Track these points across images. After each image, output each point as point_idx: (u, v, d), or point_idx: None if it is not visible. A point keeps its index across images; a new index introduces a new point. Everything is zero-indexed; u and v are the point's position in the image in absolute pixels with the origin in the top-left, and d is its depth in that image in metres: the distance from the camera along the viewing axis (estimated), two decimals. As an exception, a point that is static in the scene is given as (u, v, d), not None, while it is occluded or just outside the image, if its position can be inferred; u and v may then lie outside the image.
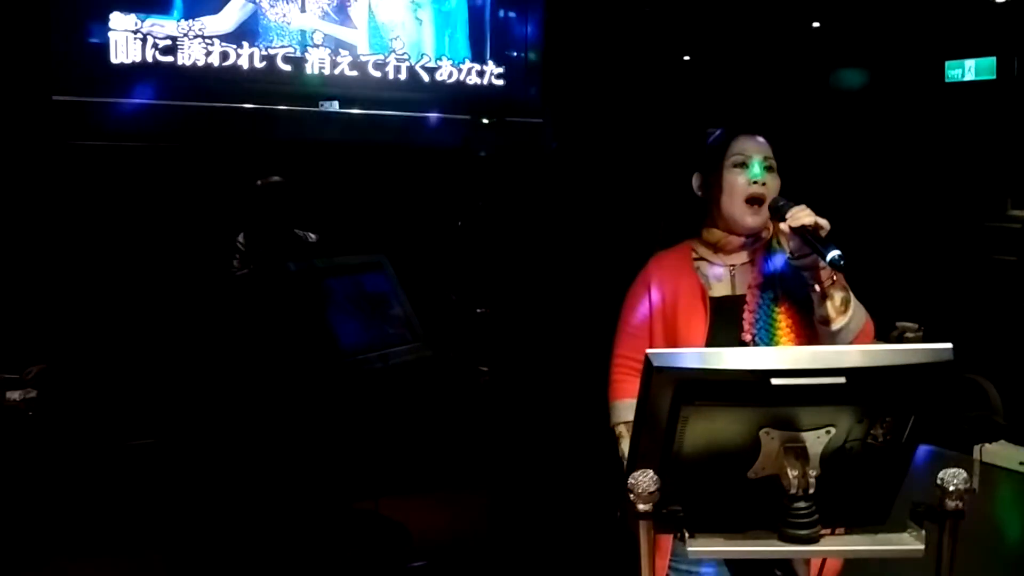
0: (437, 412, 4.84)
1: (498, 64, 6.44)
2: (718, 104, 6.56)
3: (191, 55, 5.57)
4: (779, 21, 7.02)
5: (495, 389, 5.01)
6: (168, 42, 5.51)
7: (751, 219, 2.01)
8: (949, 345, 1.45)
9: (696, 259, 2.09)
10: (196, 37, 5.55)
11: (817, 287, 1.92)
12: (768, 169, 2.03)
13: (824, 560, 1.66)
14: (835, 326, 1.91)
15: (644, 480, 1.44)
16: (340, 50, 5.99)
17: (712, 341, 1.98)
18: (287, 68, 5.82)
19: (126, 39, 5.41)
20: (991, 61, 6.58)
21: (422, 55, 6.23)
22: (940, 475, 1.48)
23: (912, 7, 6.67)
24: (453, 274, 5.78)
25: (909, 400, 1.48)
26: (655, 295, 2.07)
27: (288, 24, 5.85)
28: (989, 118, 6.54)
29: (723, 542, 1.49)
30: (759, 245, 2.07)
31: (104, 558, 4.01)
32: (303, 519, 4.19)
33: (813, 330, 1.96)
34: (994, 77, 6.59)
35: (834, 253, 1.80)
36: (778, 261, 2.03)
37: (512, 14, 6.57)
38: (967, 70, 6.70)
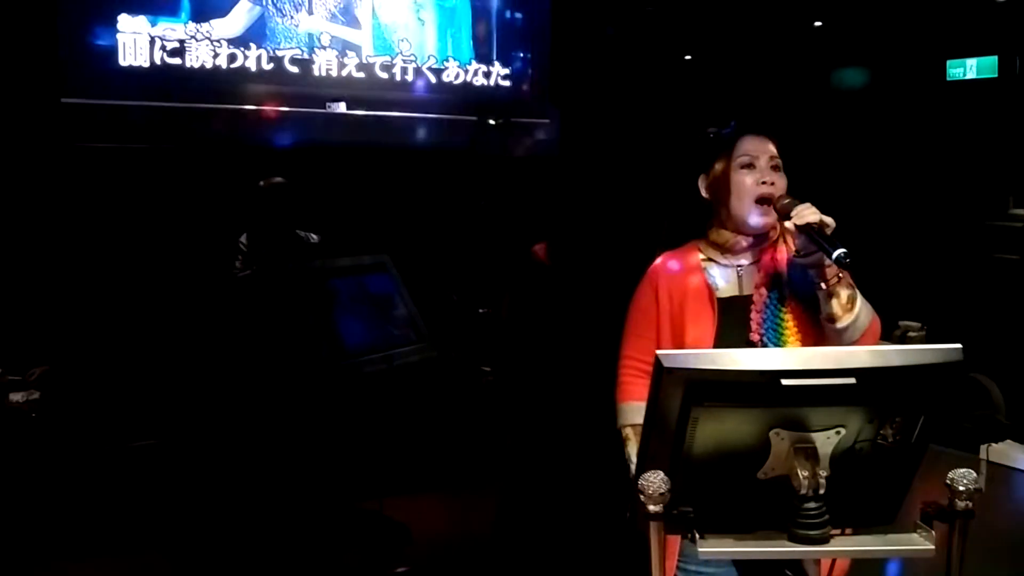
0: (442, 412, 4.84)
1: (504, 65, 6.44)
2: (721, 104, 6.55)
3: (199, 57, 5.58)
4: (781, 20, 7.01)
5: (498, 389, 5.01)
6: (176, 44, 5.51)
7: (761, 219, 2.01)
8: (959, 346, 1.45)
9: (703, 260, 2.09)
10: (204, 39, 5.55)
11: (823, 285, 1.92)
12: (775, 168, 2.04)
13: (834, 560, 1.67)
14: (841, 324, 1.92)
15: (654, 481, 1.44)
16: (347, 51, 5.99)
17: (720, 342, 1.98)
18: (294, 70, 5.83)
19: (134, 41, 5.42)
20: (993, 60, 6.57)
21: (429, 56, 6.24)
22: (950, 475, 1.48)
23: (914, 6, 6.66)
24: (456, 275, 5.78)
25: (919, 400, 1.48)
26: (662, 296, 2.07)
27: (296, 26, 5.85)
28: (991, 117, 6.53)
29: (733, 543, 1.49)
30: (766, 245, 2.07)
31: (106, 559, 4.01)
32: (305, 519, 4.19)
33: (821, 330, 1.96)
34: (996, 76, 6.58)
35: (840, 251, 1.80)
36: (784, 262, 2.04)
37: (518, 15, 6.57)
38: (968, 69, 6.69)
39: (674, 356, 1.44)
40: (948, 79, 6.80)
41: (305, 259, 4.44)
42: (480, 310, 5.62)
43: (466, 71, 6.31)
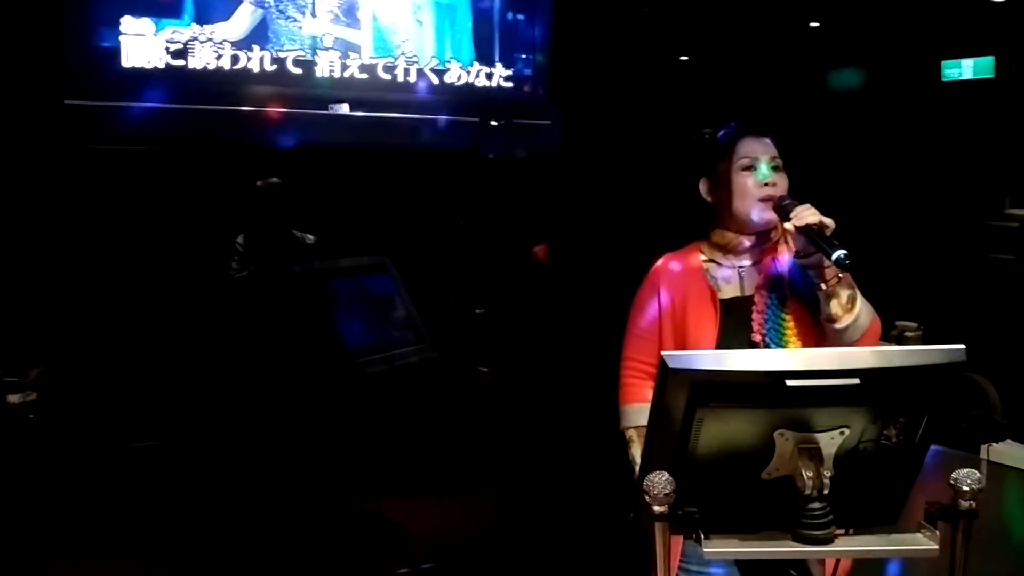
0: (442, 413, 4.85)
1: (506, 67, 6.46)
2: (718, 104, 6.57)
3: (202, 59, 5.59)
4: (778, 21, 7.03)
5: (496, 390, 5.02)
6: (179, 46, 5.52)
7: (764, 216, 2.01)
8: (962, 346, 1.46)
9: (705, 261, 2.09)
10: (207, 41, 5.56)
11: (823, 286, 1.92)
12: (776, 169, 2.04)
13: (838, 560, 1.67)
14: (841, 324, 1.92)
15: (659, 482, 1.44)
16: (350, 53, 6.00)
17: (722, 343, 1.99)
18: (297, 71, 5.84)
19: (138, 43, 5.42)
20: (989, 60, 6.59)
21: (431, 58, 6.25)
22: (953, 475, 1.49)
23: (910, 7, 6.68)
24: (456, 275, 5.79)
25: (922, 400, 1.49)
26: (664, 297, 2.07)
27: (299, 28, 5.86)
28: (987, 117, 6.55)
29: (738, 543, 1.49)
30: (767, 246, 2.07)
31: (106, 560, 4.01)
32: (304, 519, 4.19)
33: (822, 331, 1.97)
34: (992, 76, 6.60)
35: (840, 252, 1.80)
36: (785, 263, 2.04)
37: (520, 16, 6.58)
38: (965, 69, 6.71)
39: (679, 357, 1.45)
40: (944, 79, 6.82)
41: (302, 259, 4.44)
42: (477, 310, 5.62)
43: (468, 72, 6.32)
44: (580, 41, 6.58)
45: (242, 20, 5.69)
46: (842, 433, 1.48)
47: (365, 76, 6.03)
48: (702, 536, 1.47)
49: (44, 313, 5.00)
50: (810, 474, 1.46)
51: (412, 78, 6.16)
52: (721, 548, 1.49)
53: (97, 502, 4.26)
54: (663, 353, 1.45)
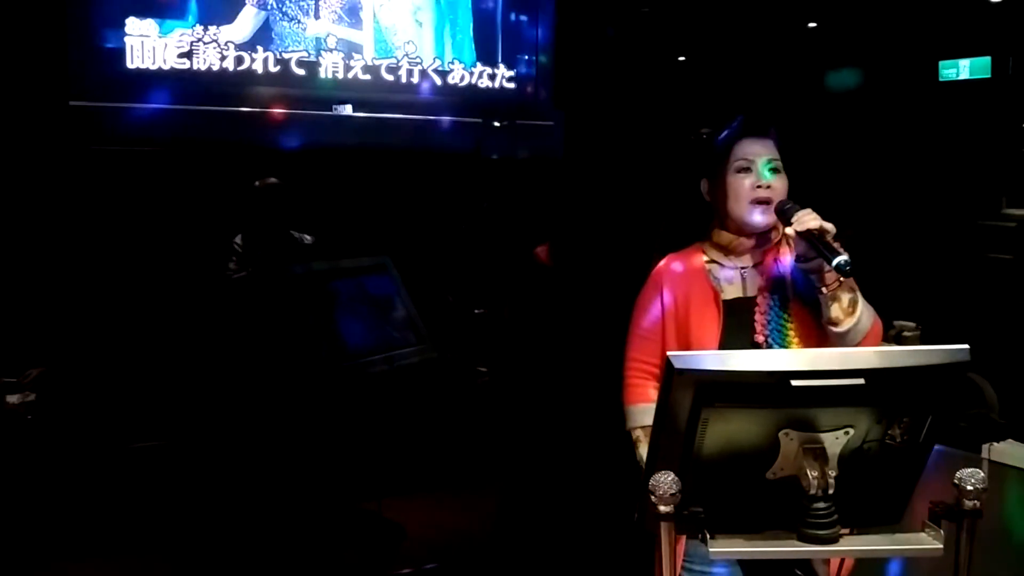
0: (442, 413, 4.85)
1: (509, 68, 6.48)
2: (716, 105, 6.58)
3: (206, 60, 5.59)
4: (776, 22, 7.05)
5: (494, 390, 5.02)
6: (184, 47, 5.53)
7: (759, 217, 2.01)
8: (966, 346, 1.47)
9: (707, 262, 2.10)
10: (211, 42, 5.57)
11: (824, 290, 1.93)
12: (774, 171, 2.04)
13: (843, 560, 1.68)
14: (842, 328, 1.92)
15: (665, 482, 1.45)
16: (353, 54, 6.02)
17: (724, 343, 1.99)
18: (301, 72, 5.84)
19: (142, 44, 5.42)
20: (985, 60, 6.61)
21: (434, 59, 6.26)
22: (957, 475, 1.49)
23: (907, 7, 6.70)
24: (457, 276, 5.79)
25: (926, 400, 1.50)
26: (667, 298, 2.08)
27: (303, 30, 5.87)
28: (984, 117, 6.58)
29: (743, 543, 1.50)
30: (769, 247, 2.07)
31: (105, 561, 4.01)
32: (304, 520, 4.19)
33: (824, 332, 1.97)
34: (988, 76, 6.62)
35: (840, 258, 1.81)
36: (787, 264, 2.05)
37: (523, 17, 6.60)
38: (962, 69, 6.73)
39: (685, 357, 1.45)
40: (941, 80, 6.84)
41: (302, 260, 4.44)
42: (476, 311, 5.63)
43: (471, 74, 6.34)
44: (582, 42, 6.59)
45: (246, 23, 5.69)
46: (847, 433, 1.48)
47: (368, 77, 6.04)
48: (708, 536, 1.48)
49: (43, 314, 4.99)
50: (815, 474, 1.47)
51: (415, 79, 6.17)
52: (726, 548, 1.50)
53: (96, 503, 4.26)
54: (669, 353, 1.45)
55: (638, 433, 2.06)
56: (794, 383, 1.42)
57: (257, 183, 4.64)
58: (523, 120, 6.30)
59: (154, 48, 5.45)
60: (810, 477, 1.47)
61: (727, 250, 2.08)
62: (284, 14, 5.82)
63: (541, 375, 4.17)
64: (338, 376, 3.83)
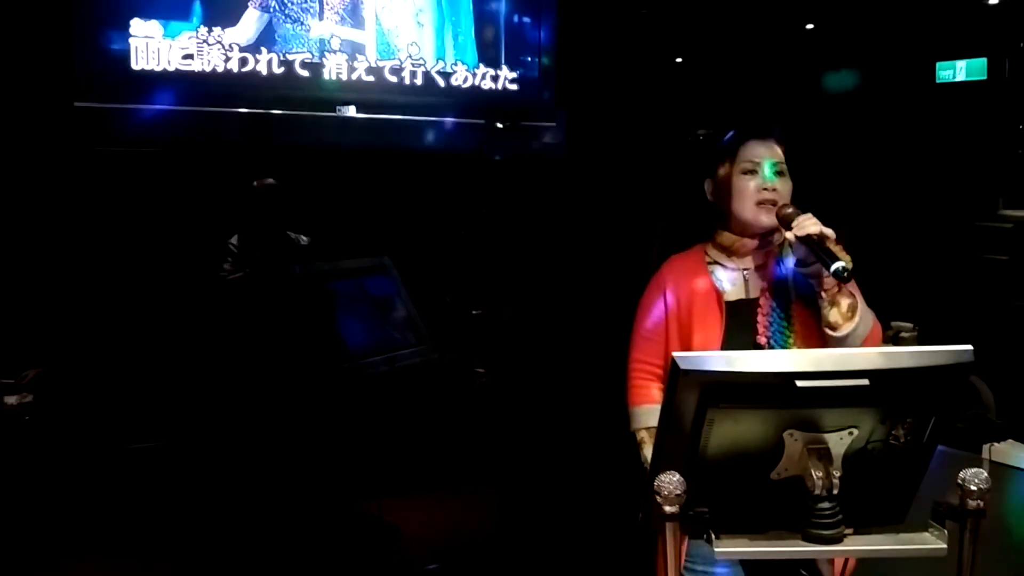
0: (441, 414, 4.85)
1: (512, 69, 6.49)
2: (715, 106, 6.59)
3: (210, 61, 5.60)
4: (773, 23, 7.06)
5: (493, 390, 5.02)
6: (188, 48, 5.53)
7: (764, 217, 2.02)
8: (969, 347, 1.47)
9: (709, 263, 2.10)
10: (216, 43, 5.57)
11: (823, 294, 1.94)
12: (779, 173, 2.05)
13: (847, 560, 1.68)
14: (841, 332, 1.93)
15: (671, 482, 1.45)
16: (357, 55, 6.02)
17: (727, 344, 2.00)
18: (305, 73, 5.85)
19: (147, 46, 5.42)
20: (982, 62, 6.62)
21: (437, 60, 6.27)
22: (961, 475, 1.50)
23: (904, 9, 6.71)
24: (456, 277, 5.80)
25: (930, 401, 1.50)
26: (670, 299, 2.08)
27: (307, 32, 5.88)
28: (980, 119, 6.59)
29: (748, 543, 1.51)
30: (771, 249, 2.08)
31: (103, 561, 4.01)
32: (303, 521, 4.19)
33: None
34: (985, 78, 6.63)
35: (838, 265, 1.82)
36: (789, 266, 2.05)
37: (526, 19, 6.61)
38: (958, 71, 6.74)
39: (691, 358, 1.46)
40: (938, 81, 6.85)
41: (296, 260, 4.44)
42: (473, 311, 5.63)
43: (474, 75, 6.35)
44: (585, 44, 6.60)
45: (249, 25, 5.70)
46: (851, 433, 1.49)
47: (372, 79, 6.05)
48: (713, 536, 1.48)
49: (41, 315, 4.99)
50: (819, 474, 1.47)
51: (419, 81, 6.18)
52: (731, 548, 1.51)
53: (94, 503, 4.26)
54: (675, 354, 1.46)
55: (642, 434, 2.07)
56: (799, 384, 1.43)
57: (255, 183, 4.65)
58: (526, 121, 6.32)
59: (159, 49, 5.45)
60: (814, 477, 1.47)
61: (730, 251, 2.09)
62: (287, 16, 5.83)
63: (540, 375, 4.18)
64: (338, 376, 3.82)
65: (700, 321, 2.03)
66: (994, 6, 6.51)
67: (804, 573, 1.63)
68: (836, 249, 1.87)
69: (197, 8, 5.60)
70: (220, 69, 5.61)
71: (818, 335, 1.99)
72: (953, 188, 6.51)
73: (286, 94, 5.79)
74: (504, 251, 5.42)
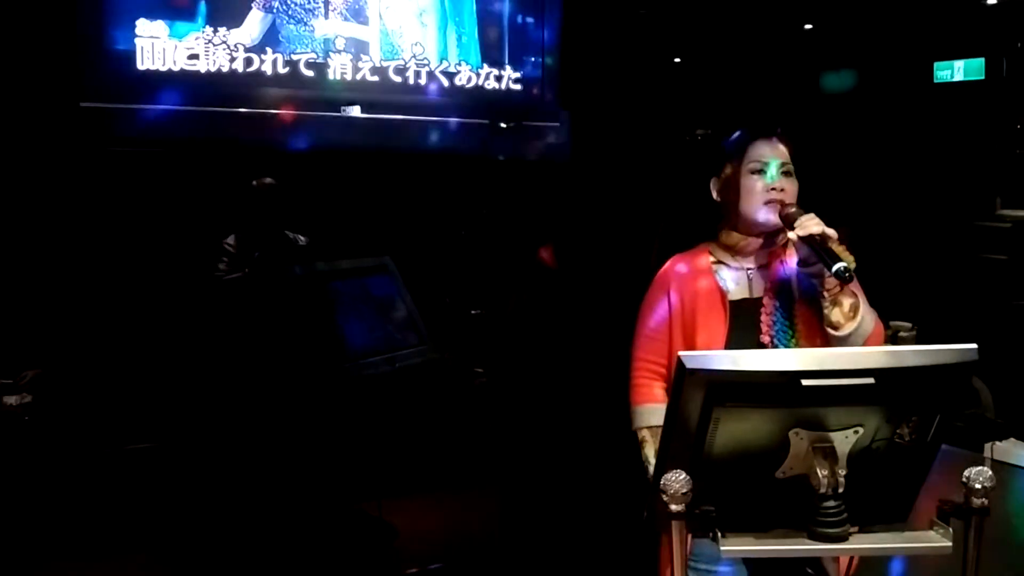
0: (441, 414, 4.85)
1: (516, 69, 6.49)
2: (714, 106, 6.60)
3: (216, 61, 5.60)
4: (772, 23, 7.07)
5: (492, 390, 5.02)
6: (193, 49, 5.53)
7: (773, 217, 2.03)
8: (974, 346, 1.48)
9: (713, 263, 2.11)
10: (221, 44, 5.58)
11: (825, 294, 1.94)
12: (786, 173, 2.06)
13: (852, 558, 1.69)
14: (843, 332, 1.94)
15: (677, 481, 1.45)
16: (361, 55, 6.03)
17: (731, 344, 2.00)
18: (309, 74, 5.86)
19: (152, 46, 5.43)
20: (980, 62, 6.63)
21: (440, 60, 6.28)
22: (965, 473, 1.50)
23: (902, 9, 6.73)
24: (455, 277, 5.80)
25: (935, 400, 1.51)
26: (674, 298, 2.09)
27: (311, 32, 5.89)
28: (978, 118, 6.60)
29: (754, 541, 1.51)
30: (775, 248, 2.09)
31: (102, 562, 4.00)
32: (303, 521, 4.18)
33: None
34: (983, 78, 6.64)
35: (839, 265, 1.83)
36: (792, 265, 2.06)
37: (530, 19, 6.62)
38: (956, 71, 6.75)
39: (696, 357, 1.46)
40: (936, 81, 6.86)
41: (295, 260, 4.44)
42: (473, 311, 5.63)
43: (478, 75, 6.36)
44: (589, 44, 6.60)
45: (253, 25, 5.72)
46: (856, 432, 1.49)
47: (376, 79, 6.06)
48: (719, 535, 1.49)
49: (40, 315, 4.98)
50: (825, 472, 1.48)
51: (423, 80, 6.19)
52: (737, 547, 1.51)
53: (92, 504, 4.25)
54: (680, 353, 1.46)
55: (644, 433, 2.07)
56: (805, 383, 1.43)
57: (254, 183, 4.65)
58: (530, 121, 6.33)
59: (164, 50, 5.46)
60: (820, 476, 1.48)
61: (734, 251, 2.10)
62: (290, 17, 5.84)
63: (541, 375, 4.18)
64: (339, 376, 3.82)
65: (704, 320, 2.04)
66: (992, 6, 6.52)
67: (810, 571, 1.64)
68: (839, 249, 1.88)
69: (202, 8, 5.61)
70: (225, 69, 5.62)
71: (821, 335, 2.00)
72: (951, 188, 6.52)
73: (291, 94, 5.80)
74: (505, 251, 5.42)
